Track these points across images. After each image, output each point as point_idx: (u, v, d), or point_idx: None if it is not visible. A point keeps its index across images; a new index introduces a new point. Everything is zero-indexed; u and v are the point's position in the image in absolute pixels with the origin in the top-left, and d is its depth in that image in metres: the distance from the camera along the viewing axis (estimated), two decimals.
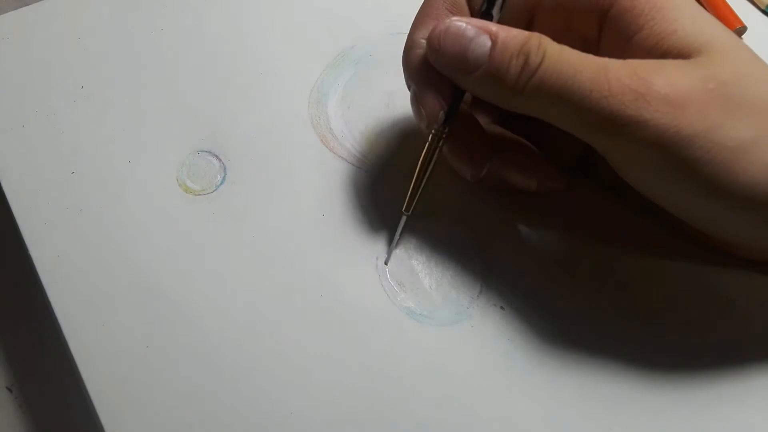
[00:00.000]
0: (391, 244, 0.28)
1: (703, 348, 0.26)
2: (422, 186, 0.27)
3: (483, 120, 0.28)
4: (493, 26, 0.23)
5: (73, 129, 0.31)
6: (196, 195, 0.30)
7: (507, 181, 0.28)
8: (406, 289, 0.27)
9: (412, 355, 0.26)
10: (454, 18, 0.23)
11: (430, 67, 0.25)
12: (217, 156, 0.31)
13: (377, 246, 0.28)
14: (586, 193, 0.29)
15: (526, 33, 0.23)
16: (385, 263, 0.28)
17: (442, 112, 0.25)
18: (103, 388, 0.26)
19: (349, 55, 0.33)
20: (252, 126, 0.31)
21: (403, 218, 0.27)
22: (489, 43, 0.23)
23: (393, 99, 0.32)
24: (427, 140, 0.26)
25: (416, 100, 0.26)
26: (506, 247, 0.28)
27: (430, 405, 0.25)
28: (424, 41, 0.25)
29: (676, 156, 0.21)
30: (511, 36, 0.23)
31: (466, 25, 0.23)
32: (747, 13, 0.35)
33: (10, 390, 0.30)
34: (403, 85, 0.32)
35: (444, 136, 0.26)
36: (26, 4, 0.35)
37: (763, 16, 0.35)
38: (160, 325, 0.27)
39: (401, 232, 0.28)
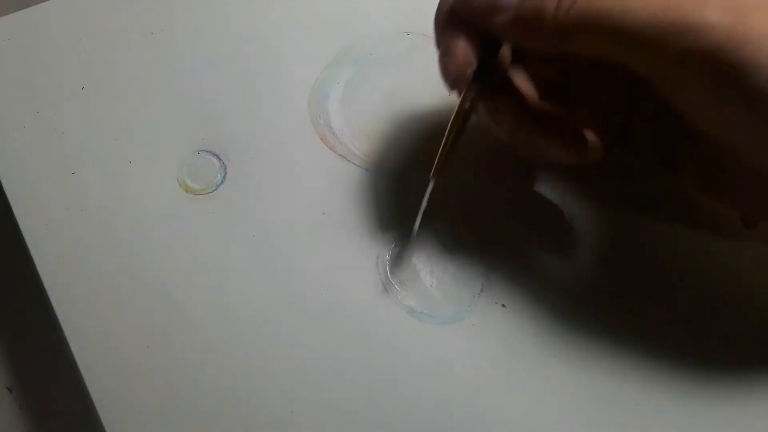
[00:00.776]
0: (418, 213, 0.27)
1: (705, 348, 0.26)
2: (449, 149, 0.25)
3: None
4: None
5: (74, 129, 0.31)
6: (196, 194, 0.30)
7: (541, 153, 0.26)
8: (407, 287, 0.27)
9: (413, 353, 0.26)
10: None
11: (461, 20, 0.23)
12: (217, 155, 0.31)
13: (378, 245, 0.28)
14: (588, 192, 0.29)
15: None
16: (414, 234, 0.28)
17: (470, 70, 0.23)
18: (103, 388, 0.25)
19: (349, 54, 0.33)
20: (252, 125, 0.31)
21: (431, 184, 0.26)
22: None
23: (393, 98, 0.32)
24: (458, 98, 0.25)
25: (443, 54, 0.24)
26: (507, 245, 0.28)
27: (431, 404, 0.25)
28: None
29: (741, 61, 0.20)
30: None
31: None
32: None
33: (10, 390, 0.30)
34: (403, 84, 0.32)
35: (473, 95, 0.24)
36: (27, 6, 0.35)
37: None
38: (160, 325, 0.27)
39: (428, 200, 0.26)
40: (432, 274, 0.28)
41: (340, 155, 0.31)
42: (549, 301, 0.27)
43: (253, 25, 0.34)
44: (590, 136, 0.26)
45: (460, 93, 0.25)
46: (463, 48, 0.23)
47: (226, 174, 0.30)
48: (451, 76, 0.24)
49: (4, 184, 0.30)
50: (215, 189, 0.30)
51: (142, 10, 0.35)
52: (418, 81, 0.32)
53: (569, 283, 0.27)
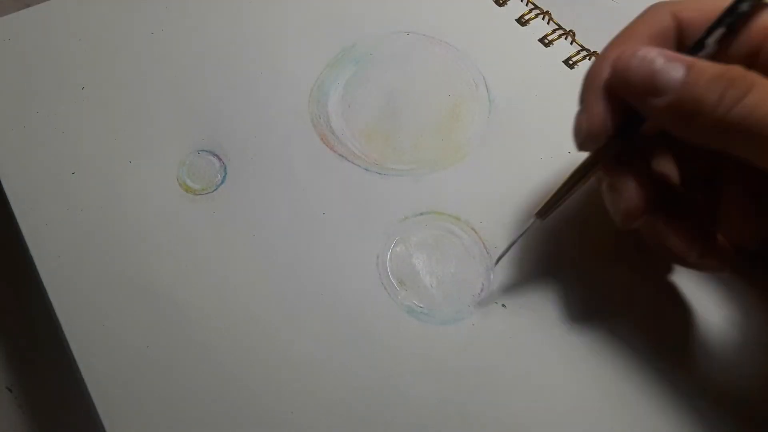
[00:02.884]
0: (508, 245, 0.27)
1: (706, 347, 0.26)
2: (562, 199, 0.25)
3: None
4: (687, 57, 0.21)
5: (74, 129, 0.31)
6: (196, 194, 0.30)
7: (662, 241, 0.24)
8: (407, 287, 0.27)
9: (412, 353, 0.26)
10: (645, 47, 0.22)
11: (609, 87, 0.23)
12: (217, 155, 0.31)
13: (378, 245, 0.28)
14: (590, 193, 0.29)
15: (726, 65, 0.21)
16: (495, 263, 0.27)
17: (605, 137, 0.23)
18: (103, 388, 0.25)
19: (349, 54, 0.33)
20: (252, 125, 0.31)
21: (533, 222, 0.26)
22: (682, 70, 0.21)
23: (393, 98, 0.32)
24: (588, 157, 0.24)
25: (581, 111, 0.23)
26: (508, 245, 0.28)
27: (430, 404, 0.25)
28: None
29: None
30: (709, 65, 0.21)
31: (657, 52, 0.21)
32: None
33: (10, 390, 0.30)
34: (403, 84, 0.32)
35: (601, 158, 0.24)
36: (27, 6, 0.35)
37: None
38: (160, 325, 0.27)
39: (521, 236, 0.26)
40: (432, 274, 0.28)
41: (340, 155, 0.31)
42: (549, 301, 0.27)
43: (254, 25, 0.34)
44: (722, 240, 0.24)
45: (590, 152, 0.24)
46: (602, 113, 0.23)
47: (226, 174, 0.30)
48: (581, 135, 0.23)
49: (4, 184, 0.30)
50: (215, 189, 0.30)
51: (142, 10, 0.35)
52: (418, 81, 0.32)
53: (569, 283, 0.27)
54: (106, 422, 0.25)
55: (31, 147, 0.31)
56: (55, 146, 0.31)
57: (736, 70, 0.20)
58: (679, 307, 0.27)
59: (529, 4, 0.34)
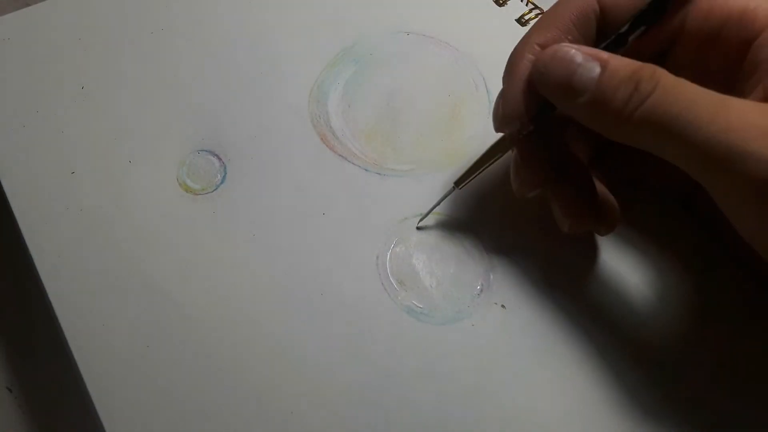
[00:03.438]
0: (430, 208, 0.28)
1: (707, 347, 0.26)
2: (479, 171, 0.27)
3: (582, 148, 0.28)
4: (604, 54, 0.22)
5: (74, 129, 0.31)
6: (196, 194, 0.30)
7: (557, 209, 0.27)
8: (407, 287, 0.27)
9: (412, 353, 0.26)
10: (564, 44, 0.23)
11: (530, 81, 0.24)
12: (217, 155, 0.31)
13: (377, 245, 0.28)
14: None
15: (639, 63, 0.22)
16: (417, 227, 0.29)
17: (519, 123, 0.25)
18: (103, 388, 0.25)
19: (349, 53, 0.33)
20: (252, 125, 0.31)
21: (451, 190, 0.28)
22: (598, 69, 0.22)
23: (393, 98, 0.32)
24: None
25: (500, 96, 0.25)
26: (507, 245, 0.28)
27: (430, 404, 0.25)
28: (537, 47, 0.24)
29: None
30: (623, 64, 0.22)
31: (575, 51, 0.22)
32: None
33: (10, 390, 0.30)
34: (403, 84, 0.32)
35: (515, 138, 0.26)
36: (27, 6, 0.35)
37: None
38: (160, 325, 0.27)
39: (442, 203, 0.29)
40: (432, 274, 0.28)
41: (340, 155, 0.31)
42: (549, 301, 0.27)
43: (253, 25, 0.34)
44: (612, 205, 0.27)
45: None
46: (519, 101, 0.24)
47: (226, 174, 0.30)
48: (497, 119, 0.25)
49: (4, 184, 0.30)
50: (215, 189, 0.30)
51: (142, 10, 0.35)
52: (418, 81, 0.32)
53: (569, 282, 0.27)
54: (106, 422, 0.25)
55: (31, 147, 0.31)
56: (55, 146, 0.31)
57: (646, 70, 0.21)
58: (680, 307, 0.27)
59: (529, 4, 0.34)
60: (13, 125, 0.31)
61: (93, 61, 0.33)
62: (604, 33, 0.25)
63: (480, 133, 0.31)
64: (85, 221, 0.29)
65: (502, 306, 0.27)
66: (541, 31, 0.25)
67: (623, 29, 0.23)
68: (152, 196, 0.29)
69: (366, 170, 0.30)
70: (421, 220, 0.29)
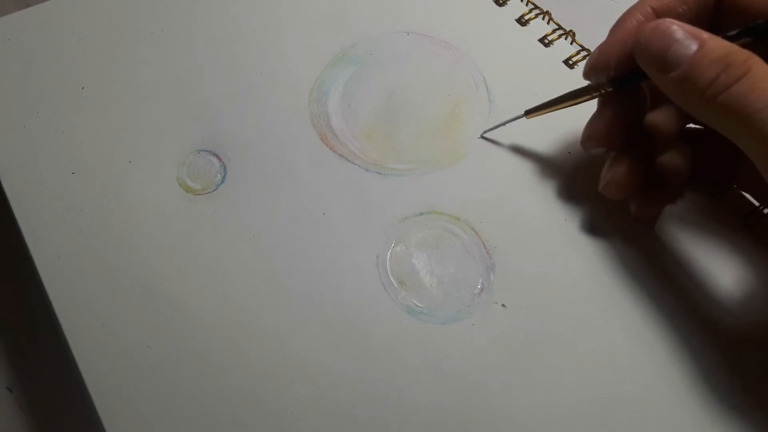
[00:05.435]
0: (496, 125, 0.30)
1: (708, 346, 0.26)
2: (552, 109, 0.28)
3: (666, 117, 0.28)
4: (704, 34, 0.22)
5: (74, 129, 0.31)
6: (196, 194, 0.30)
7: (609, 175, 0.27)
8: (407, 287, 0.27)
9: (412, 353, 0.26)
10: (669, 19, 0.23)
11: (630, 35, 0.25)
12: (217, 155, 0.31)
13: (377, 245, 0.28)
14: (591, 191, 0.29)
15: (736, 46, 0.22)
16: (481, 136, 0.31)
17: (607, 73, 0.25)
18: (103, 388, 0.25)
19: (349, 53, 0.33)
20: (252, 125, 0.31)
21: (521, 116, 0.29)
22: (694, 47, 0.22)
23: (393, 98, 0.32)
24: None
25: (601, 45, 0.26)
26: (508, 244, 0.28)
27: (430, 403, 0.25)
28: (649, 9, 0.25)
29: None
30: (719, 45, 0.22)
31: (677, 27, 0.22)
32: None
33: (10, 390, 0.30)
34: (403, 84, 0.32)
35: (595, 94, 0.26)
36: (27, 6, 0.35)
37: None
38: (160, 325, 0.27)
39: (506, 124, 0.30)
40: (432, 274, 0.28)
41: (340, 155, 0.31)
42: (549, 301, 0.27)
43: (253, 24, 0.34)
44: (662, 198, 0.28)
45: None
46: (611, 54, 0.25)
47: (226, 174, 0.30)
48: (586, 66, 0.26)
49: (4, 184, 0.30)
50: (215, 189, 0.30)
51: (142, 10, 0.35)
52: (418, 81, 0.32)
53: (569, 282, 0.27)
54: (106, 422, 0.25)
55: (31, 147, 0.31)
56: (55, 146, 0.31)
57: (739, 55, 0.21)
58: (681, 306, 0.27)
59: (529, 4, 0.34)
60: (13, 125, 0.31)
61: (93, 61, 0.33)
62: (721, 9, 0.25)
63: (480, 133, 0.31)
64: (85, 221, 0.29)
65: (503, 305, 0.27)
66: None
67: (731, 33, 0.23)
68: (152, 196, 0.29)
69: (366, 170, 0.30)
70: (485, 132, 0.30)
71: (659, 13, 0.25)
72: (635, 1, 0.26)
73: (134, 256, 0.28)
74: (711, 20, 0.25)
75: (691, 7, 0.25)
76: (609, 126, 0.26)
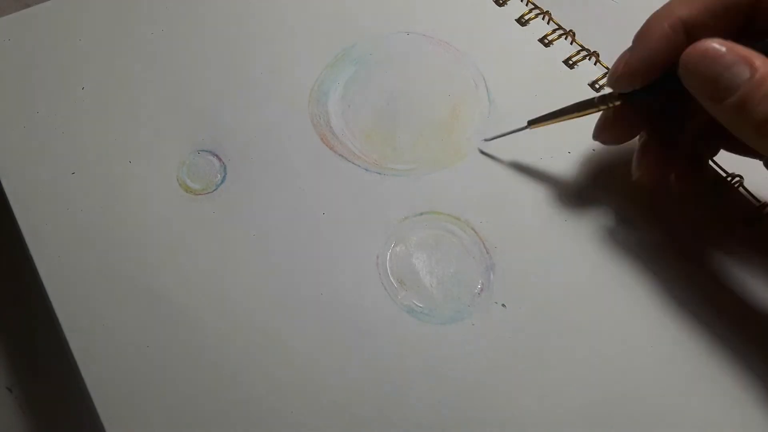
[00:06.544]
0: (498, 134, 0.30)
1: (708, 347, 0.26)
2: (555, 120, 0.28)
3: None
4: (757, 58, 0.21)
5: (74, 129, 0.31)
6: (196, 194, 0.30)
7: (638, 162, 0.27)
8: (407, 287, 0.27)
9: (412, 353, 0.26)
10: (715, 40, 0.22)
11: (659, 45, 0.24)
12: (217, 155, 0.31)
13: (377, 245, 0.28)
14: (590, 191, 0.29)
15: None
16: (485, 139, 0.30)
17: (633, 85, 0.25)
18: (103, 387, 0.25)
19: (349, 54, 0.33)
20: (252, 125, 0.31)
21: (525, 126, 0.29)
22: (747, 75, 0.21)
23: (393, 98, 0.32)
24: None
25: (623, 56, 0.25)
26: (508, 244, 0.28)
27: (430, 403, 0.25)
28: (677, 21, 0.24)
29: None
30: None
31: (726, 50, 0.21)
32: None
33: (10, 390, 0.30)
34: (403, 84, 0.32)
35: (602, 107, 0.26)
36: (27, 6, 0.35)
37: None
38: (160, 325, 0.27)
39: (510, 135, 0.30)
40: (432, 274, 0.28)
41: (340, 155, 0.31)
42: (549, 301, 0.27)
43: (254, 24, 0.34)
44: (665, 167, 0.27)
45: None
46: (640, 66, 0.24)
47: (226, 174, 0.30)
48: (613, 78, 0.25)
49: (4, 184, 0.30)
50: (215, 189, 0.30)
51: (142, 10, 0.35)
52: (418, 81, 0.32)
53: (569, 282, 0.27)
54: (106, 422, 0.25)
55: (31, 147, 0.31)
56: (55, 146, 0.31)
57: None
58: (681, 307, 0.27)
59: (529, 4, 0.34)
60: (13, 125, 0.31)
61: (93, 62, 0.33)
62: (752, 22, 0.24)
63: (480, 133, 0.31)
64: (85, 221, 0.29)
65: (503, 305, 0.27)
66: (685, 3, 0.24)
67: (757, 43, 0.22)
68: (152, 196, 0.29)
69: (366, 170, 0.30)
70: (487, 140, 0.30)
71: (688, 27, 0.24)
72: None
73: (134, 256, 0.28)
74: (740, 30, 0.24)
75: (720, 18, 0.24)
76: (626, 136, 0.27)
